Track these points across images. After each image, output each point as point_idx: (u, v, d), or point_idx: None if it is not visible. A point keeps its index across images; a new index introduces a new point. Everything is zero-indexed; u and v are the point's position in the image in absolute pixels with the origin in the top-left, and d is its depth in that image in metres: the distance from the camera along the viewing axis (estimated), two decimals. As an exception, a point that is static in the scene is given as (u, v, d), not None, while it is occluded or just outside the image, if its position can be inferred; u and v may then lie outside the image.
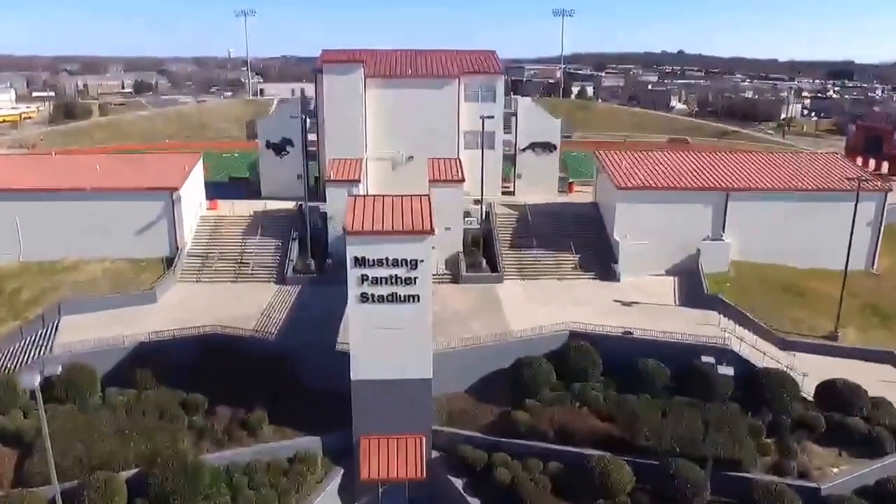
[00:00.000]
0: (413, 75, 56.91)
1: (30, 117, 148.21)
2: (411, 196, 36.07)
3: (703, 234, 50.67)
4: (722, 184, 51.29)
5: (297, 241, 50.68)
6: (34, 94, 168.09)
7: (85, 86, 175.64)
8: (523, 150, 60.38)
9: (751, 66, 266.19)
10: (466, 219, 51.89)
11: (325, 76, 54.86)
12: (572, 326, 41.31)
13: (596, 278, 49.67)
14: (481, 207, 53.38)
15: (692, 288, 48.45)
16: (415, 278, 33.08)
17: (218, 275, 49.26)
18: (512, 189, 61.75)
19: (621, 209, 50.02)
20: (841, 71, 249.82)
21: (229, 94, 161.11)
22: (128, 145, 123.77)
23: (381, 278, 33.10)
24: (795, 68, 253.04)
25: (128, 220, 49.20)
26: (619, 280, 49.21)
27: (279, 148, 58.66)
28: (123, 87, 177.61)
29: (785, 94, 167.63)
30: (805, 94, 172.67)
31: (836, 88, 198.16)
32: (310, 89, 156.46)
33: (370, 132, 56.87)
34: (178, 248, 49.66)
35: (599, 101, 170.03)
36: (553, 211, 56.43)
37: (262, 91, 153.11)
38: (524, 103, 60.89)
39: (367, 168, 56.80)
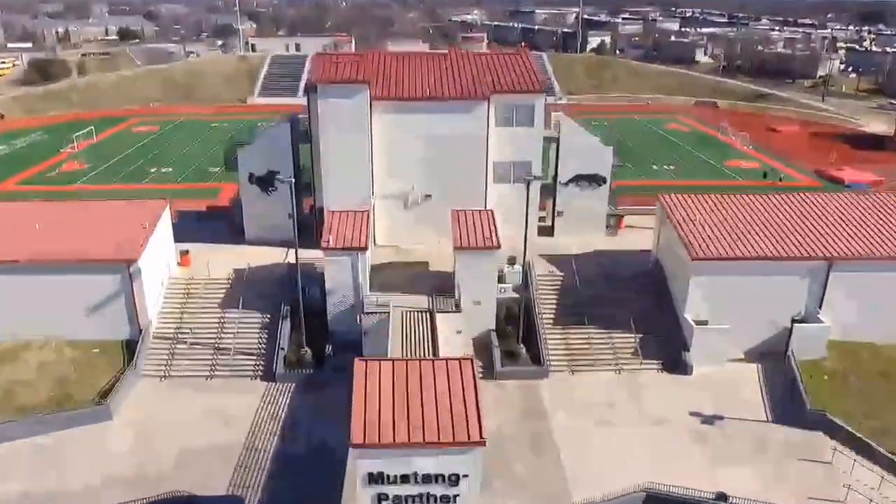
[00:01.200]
0: (432, 98, 44.08)
1: (2, 75, 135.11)
2: (450, 360, 24.42)
3: (794, 310, 39.55)
4: (824, 250, 39.31)
5: (288, 319, 39.34)
6: (9, 45, 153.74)
7: (66, 32, 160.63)
8: (565, 183, 48.20)
9: (775, 7, 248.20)
10: (500, 286, 40.75)
11: (320, 100, 42.39)
12: (649, 485, 30.41)
13: (662, 369, 38.73)
14: (521, 266, 40.56)
15: (785, 387, 37.56)
16: (455, 496, 22.34)
17: (190, 367, 38.14)
18: (549, 222, 49.88)
19: (696, 285, 38.57)
20: (872, 13, 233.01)
21: (220, 43, 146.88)
22: (108, 112, 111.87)
23: (406, 497, 22.46)
24: (823, 9, 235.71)
25: (75, 298, 38.09)
26: (690, 373, 38.33)
27: (266, 183, 46.00)
28: (107, 34, 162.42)
29: (817, 44, 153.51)
30: (839, 44, 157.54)
31: (871, 37, 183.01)
32: (306, 45, 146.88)
33: (378, 165, 44.76)
34: (140, 330, 38.61)
35: (618, 52, 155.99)
36: (604, 266, 44.64)
37: (253, 46, 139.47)
38: (568, 126, 48.14)
39: (375, 207, 45.38)
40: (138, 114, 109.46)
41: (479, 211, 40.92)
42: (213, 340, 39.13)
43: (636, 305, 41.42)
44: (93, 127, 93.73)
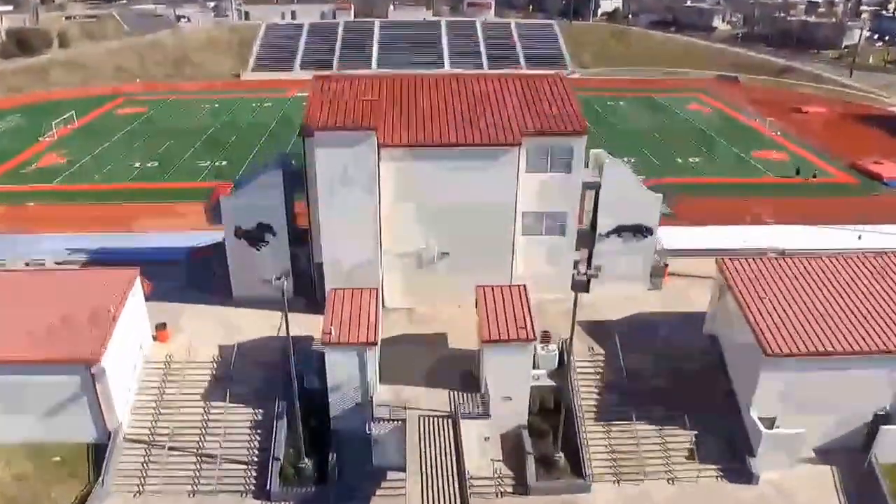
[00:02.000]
0: (453, 143, 35.54)
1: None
2: None
3: (877, 405, 32.76)
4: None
5: (284, 418, 32.15)
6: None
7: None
8: (606, 235, 40.21)
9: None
10: (533, 372, 33.16)
11: (317, 149, 33.82)
12: None
13: (722, 476, 32.02)
14: (557, 346, 34.71)
15: (866, 495, 31.14)
16: None
17: (169, 479, 31.19)
18: (585, 276, 41.62)
19: (766, 381, 31.55)
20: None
21: (212, 5, 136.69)
22: (92, 89, 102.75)
23: None
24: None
25: (30, 400, 31.25)
26: (755, 482, 31.77)
27: (255, 238, 38.04)
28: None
29: (840, 6, 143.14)
30: (863, 7, 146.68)
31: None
32: (302, 12, 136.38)
33: (387, 218, 36.57)
34: (109, 434, 31.80)
35: (630, 17, 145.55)
36: (651, 340, 37.09)
37: (247, 14, 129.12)
38: (613, 172, 39.51)
39: (384, 265, 37.69)
40: (123, 92, 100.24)
41: (509, 288, 33.55)
42: (195, 444, 32.11)
43: (690, 394, 34.35)
44: (73, 112, 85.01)
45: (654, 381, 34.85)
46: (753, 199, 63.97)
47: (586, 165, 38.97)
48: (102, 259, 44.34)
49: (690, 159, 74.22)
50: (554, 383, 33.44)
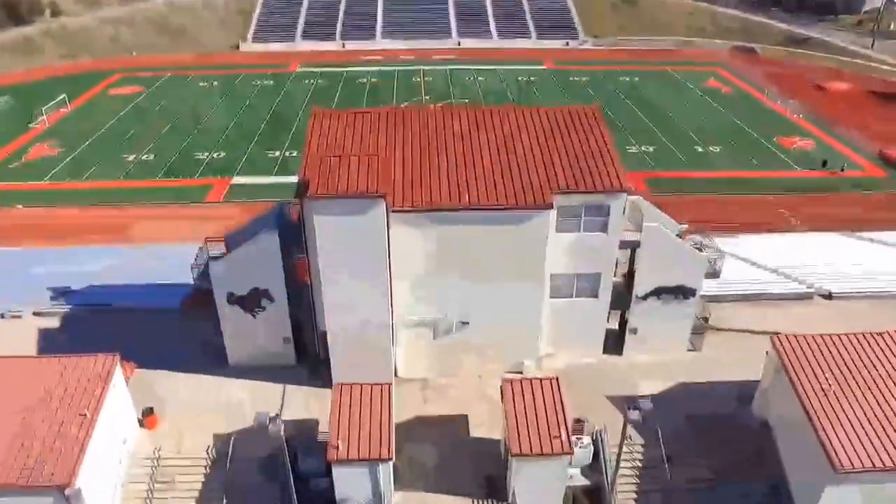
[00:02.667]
0: (475, 206, 29.23)
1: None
2: None
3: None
4: None
5: None
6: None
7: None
8: (643, 297, 34.12)
9: None
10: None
11: (316, 217, 27.76)
12: None
13: (774, 590, 28.80)
14: (592, 438, 29.40)
15: None
16: None
17: None
18: (618, 338, 35.67)
19: (833, 495, 26.42)
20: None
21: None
22: (84, 63, 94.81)
23: None
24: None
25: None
26: None
27: (249, 303, 32.31)
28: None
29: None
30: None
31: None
32: None
33: (399, 285, 30.82)
34: (89, 553, 27.25)
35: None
36: (695, 423, 31.64)
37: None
38: (655, 234, 32.37)
39: (396, 334, 31.83)
40: (117, 68, 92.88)
41: (540, 383, 27.89)
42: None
43: (739, 491, 29.04)
44: (65, 95, 78.25)
45: (699, 471, 29.70)
46: (780, 199, 58.61)
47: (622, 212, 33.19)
48: (89, 304, 38.74)
49: (711, 148, 67.95)
50: (588, 482, 28.92)
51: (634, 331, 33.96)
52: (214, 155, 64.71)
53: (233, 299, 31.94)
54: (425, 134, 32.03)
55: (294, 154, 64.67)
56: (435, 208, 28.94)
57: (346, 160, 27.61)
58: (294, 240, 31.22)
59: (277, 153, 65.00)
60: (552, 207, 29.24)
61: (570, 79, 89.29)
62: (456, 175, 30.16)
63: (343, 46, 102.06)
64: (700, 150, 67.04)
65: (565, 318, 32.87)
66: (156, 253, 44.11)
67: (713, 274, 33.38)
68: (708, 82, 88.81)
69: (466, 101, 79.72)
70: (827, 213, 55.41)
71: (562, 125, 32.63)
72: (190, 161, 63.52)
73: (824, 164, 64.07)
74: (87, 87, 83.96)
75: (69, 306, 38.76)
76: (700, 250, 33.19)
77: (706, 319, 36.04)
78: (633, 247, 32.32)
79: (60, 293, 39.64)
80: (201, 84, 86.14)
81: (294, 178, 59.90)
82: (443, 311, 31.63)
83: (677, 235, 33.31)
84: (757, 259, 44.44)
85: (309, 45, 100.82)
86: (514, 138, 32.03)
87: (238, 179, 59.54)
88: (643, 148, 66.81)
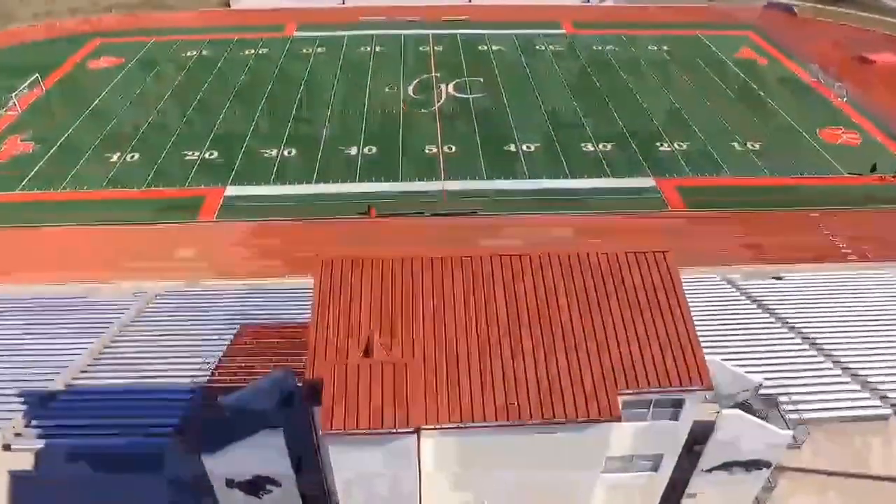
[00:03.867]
0: (521, 423, 22.14)
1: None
2: None
3: None
4: None
5: None
6: None
7: None
8: (709, 470, 27.56)
9: None
10: None
11: (332, 449, 21.53)
12: None
13: None
14: None
15: None
16: None
17: None
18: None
19: None
20: None
21: None
22: (58, 27, 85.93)
23: None
24: None
25: None
26: None
27: (253, 488, 26.27)
28: None
29: None
30: None
31: None
32: None
33: (429, 479, 24.29)
34: None
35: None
36: None
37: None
38: (733, 420, 25.35)
39: None
40: (96, 31, 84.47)
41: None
42: None
43: None
44: (38, 74, 71.20)
45: None
46: (824, 215, 53.25)
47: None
48: (60, 433, 29.43)
49: (750, 145, 61.88)
50: None
51: (693, 496, 29.40)
52: (206, 155, 58.58)
53: (232, 484, 27.33)
54: (450, 302, 23.39)
55: (292, 153, 58.73)
56: (473, 426, 22.16)
57: (367, 371, 21.26)
58: (302, 414, 26.04)
59: (274, 152, 58.90)
60: (620, 419, 22.66)
61: (593, 48, 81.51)
62: (491, 372, 22.27)
63: (343, 2, 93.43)
64: (738, 147, 60.94)
65: (616, 492, 28.49)
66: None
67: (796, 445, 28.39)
68: (741, 52, 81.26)
69: (481, 80, 72.87)
70: (882, 236, 50.48)
71: (623, 284, 24.21)
72: (178, 162, 57.35)
73: (873, 168, 58.09)
74: (63, 59, 76.27)
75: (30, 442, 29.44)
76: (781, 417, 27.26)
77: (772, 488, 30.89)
78: (707, 430, 27.25)
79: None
80: (188, 54, 78.45)
81: (293, 189, 55.30)
82: (479, 499, 26.98)
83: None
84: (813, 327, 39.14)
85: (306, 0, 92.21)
86: (562, 307, 23.64)
87: (232, 190, 53.92)
88: (676, 145, 60.77)
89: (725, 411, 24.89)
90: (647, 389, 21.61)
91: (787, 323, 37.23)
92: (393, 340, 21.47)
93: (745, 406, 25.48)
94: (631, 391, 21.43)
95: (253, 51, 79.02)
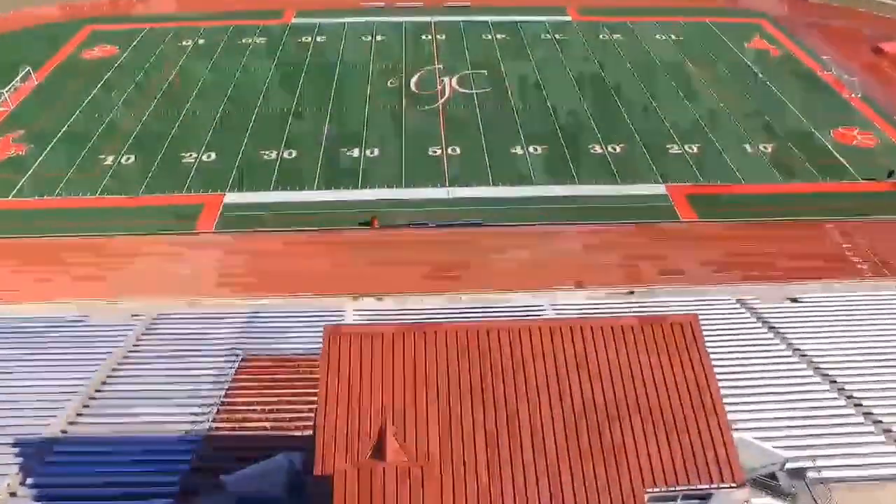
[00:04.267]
0: None
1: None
2: None
3: None
4: None
5: None
6: None
7: None
8: None
9: None
10: None
11: None
12: None
13: None
14: None
15: None
16: None
17: None
18: None
19: None
20: None
21: None
22: (46, 9, 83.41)
23: None
24: None
25: None
26: None
27: None
28: None
29: None
30: None
31: None
32: None
33: None
34: None
35: None
36: None
37: None
38: None
39: None
40: (87, 17, 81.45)
41: None
42: None
43: None
44: (30, 68, 68.99)
45: None
46: (839, 225, 51.74)
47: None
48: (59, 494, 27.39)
49: (762, 147, 60.21)
50: None
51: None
52: (203, 157, 56.84)
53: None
54: (466, 385, 21.27)
55: (293, 155, 57.04)
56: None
57: (380, 476, 19.06)
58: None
59: (274, 154, 57.07)
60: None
61: (600, 37, 79.21)
62: (510, 464, 20.01)
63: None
64: (749, 149, 59.23)
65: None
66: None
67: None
68: (753, 41, 79.01)
69: (485, 72, 70.76)
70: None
71: (648, 361, 21.98)
72: (175, 165, 55.68)
73: (890, 174, 56.59)
74: (54, 48, 73.86)
75: None
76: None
77: None
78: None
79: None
80: (184, 43, 76.07)
81: (295, 196, 53.66)
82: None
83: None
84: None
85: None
86: (580, 388, 21.54)
87: (232, 197, 52.29)
88: (687, 147, 59.11)
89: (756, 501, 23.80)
90: (676, 488, 20.48)
91: (805, 356, 36.20)
92: (406, 433, 20.36)
93: (771, 479, 24.54)
94: (658, 490, 20.32)
95: (250, 40, 76.64)
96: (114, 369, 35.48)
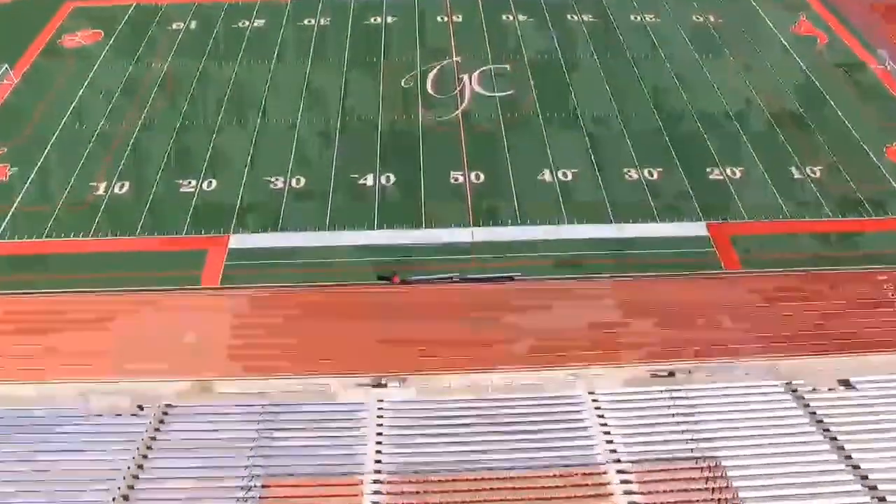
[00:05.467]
0: None
1: None
2: None
3: None
4: None
5: None
6: None
7: None
8: None
9: None
10: None
11: None
12: None
13: None
14: None
15: None
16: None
17: None
18: None
19: None
20: None
21: None
22: None
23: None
24: None
25: None
26: None
27: None
28: None
29: None
30: None
31: None
32: None
33: None
34: None
35: None
36: None
37: None
38: None
39: None
40: (75, 3, 74.09)
41: None
42: None
43: None
44: (7, 65, 62.36)
45: None
46: (892, 275, 48.00)
47: None
48: None
49: (810, 170, 55.07)
50: None
51: None
52: (204, 185, 51.96)
53: None
54: None
55: (301, 184, 52.30)
56: None
57: None
58: None
59: (280, 182, 52.02)
60: None
61: (631, 17, 72.38)
62: None
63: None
64: (796, 174, 54.19)
65: None
66: None
67: None
68: (798, 25, 72.03)
69: (507, 67, 64.81)
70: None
71: None
72: (173, 196, 50.65)
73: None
74: (33, 34, 67.45)
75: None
76: None
77: None
78: None
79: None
80: (174, 27, 69.24)
81: (304, 240, 49.36)
82: None
83: None
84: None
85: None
86: None
87: (236, 240, 48.18)
88: (728, 170, 54.32)
89: None
90: None
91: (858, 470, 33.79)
92: None
93: None
94: None
95: (247, 22, 69.79)
96: (121, 494, 33.15)
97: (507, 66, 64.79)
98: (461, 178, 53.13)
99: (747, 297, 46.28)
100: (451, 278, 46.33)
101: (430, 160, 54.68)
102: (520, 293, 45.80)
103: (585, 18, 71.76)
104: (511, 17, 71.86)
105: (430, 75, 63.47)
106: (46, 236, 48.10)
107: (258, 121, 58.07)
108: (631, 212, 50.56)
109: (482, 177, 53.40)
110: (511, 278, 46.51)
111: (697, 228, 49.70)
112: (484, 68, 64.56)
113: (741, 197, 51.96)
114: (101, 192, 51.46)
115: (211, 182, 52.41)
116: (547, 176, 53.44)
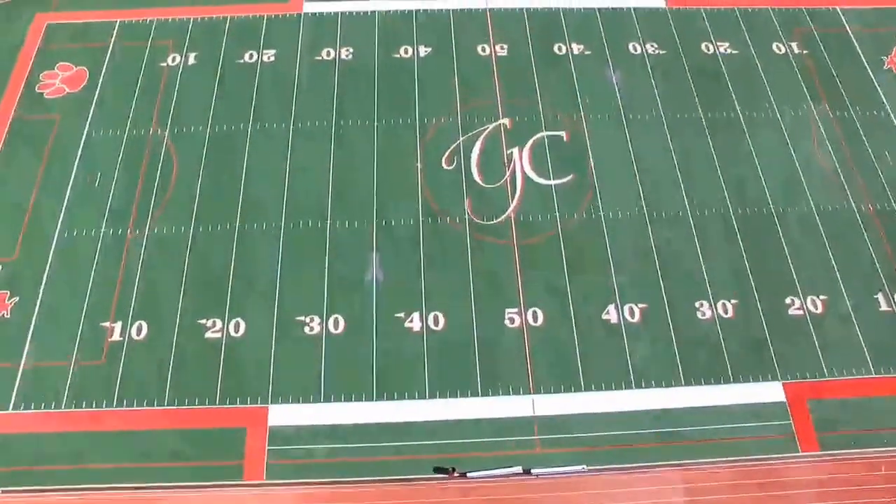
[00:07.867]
0: None
1: None
2: None
3: None
4: None
5: None
6: None
7: None
8: None
9: None
10: None
11: None
12: None
13: None
14: None
15: None
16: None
17: None
18: None
19: None
20: None
21: None
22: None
23: None
24: None
25: None
26: None
27: None
28: None
29: None
30: None
31: None
32: None
33: None
34: None
35: None
36: None
37: None
38: None
39: None
40: (48, 18, 59.75)
41: None
42: None
43: None
44: (-19, 137, 51.93)
45: None
46: None
47: None
48: None
49: (900, 296, 47.70)
50: None
51: None
52: (230, 327, 44.38)
53: None
54: None
55: (339, 328, 45.25)
56: None
57: None
58: None
59: (317, 324, 44.29)
60: None
61: (701, 47, 59.63)
62: None
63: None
64: (882, 302, 47.52)
65: None
66: None
67: None
68: (893, 57, 61.25)
69: (563, 136, 55.01)
70: None
71: None
72: (197, 343, 43.10)
73: None
74: (5, 75, 56.11)
75: None
76: None
77: None
78: None
79: None
80: (168, 63, 56.89)
81: (347, 413, 43.14)
82: None
83: None
84: None
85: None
86: None
87: (276, 414, 42.58)
88: (809, 302, 47.94)
89: None
90: None
91: None
92: None
93: None
94: None
95: (255, 54, 56.85)
96: None
97: (563, 134, 54.99)
98: (517, 320, 46.65)
99: (819, 495, 42.67)
100: (517, 471, 42.56)
101: (480, 291, 45.59)
102: (586, 489, 42.18)
103: (650, 52, 58.69)
104: (563, 48, 59.56)
105: (475, 150, 53.38)
106: (59, 405, 42.71)
107: (282, 215, 49.33)
108: (703, 368, 44.78)
109: (540, 317, 47.06)
110: (580, 472, 42.65)
111: (771, 390, 44.41)
112: (536, 136, 54.85)
113: (821, 340, 45.99)
114: (117, 335, 43.66)
115: (239, 324, 45.31)
116: (611, 313, 46.47)
